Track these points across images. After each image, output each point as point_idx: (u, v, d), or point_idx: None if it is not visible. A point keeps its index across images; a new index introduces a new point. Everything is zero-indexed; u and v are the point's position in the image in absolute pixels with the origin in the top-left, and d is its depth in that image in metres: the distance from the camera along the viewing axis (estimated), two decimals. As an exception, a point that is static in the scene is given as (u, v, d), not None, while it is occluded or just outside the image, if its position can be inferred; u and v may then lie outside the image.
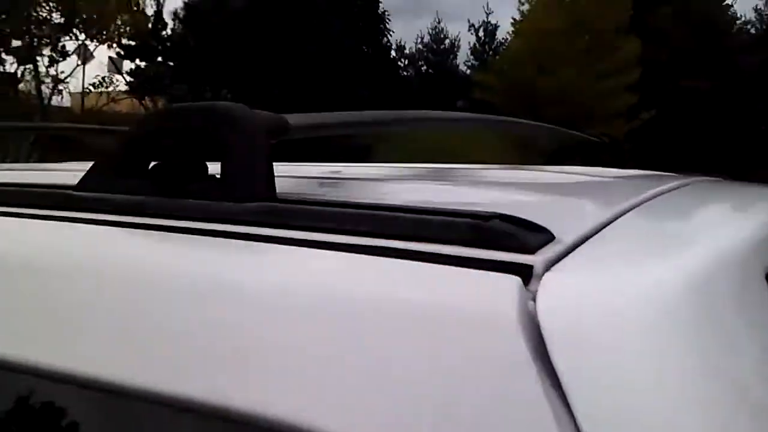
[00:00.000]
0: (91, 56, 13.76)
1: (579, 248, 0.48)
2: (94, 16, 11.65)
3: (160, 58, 19.22)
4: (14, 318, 0.53)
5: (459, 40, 23.80)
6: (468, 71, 22.29)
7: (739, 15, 19.96)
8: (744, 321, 0.49)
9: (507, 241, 0.46)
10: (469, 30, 23.02)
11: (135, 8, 13.81)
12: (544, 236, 0.48)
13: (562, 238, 0.49)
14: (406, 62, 23.98)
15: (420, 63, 23.98)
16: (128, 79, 16.92)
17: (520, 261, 0.44)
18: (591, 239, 0.51)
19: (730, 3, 19.37)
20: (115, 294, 0.50)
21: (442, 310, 0.41)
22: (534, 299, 0.40)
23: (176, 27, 19.77)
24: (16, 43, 12.07)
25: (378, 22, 21.87)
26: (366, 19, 21.16)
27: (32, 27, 11.67)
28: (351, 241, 0.49)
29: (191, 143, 0.62)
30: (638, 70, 15.48)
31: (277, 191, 0.59)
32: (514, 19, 18.02)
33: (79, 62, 13.30)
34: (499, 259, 0.44)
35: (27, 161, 9.28)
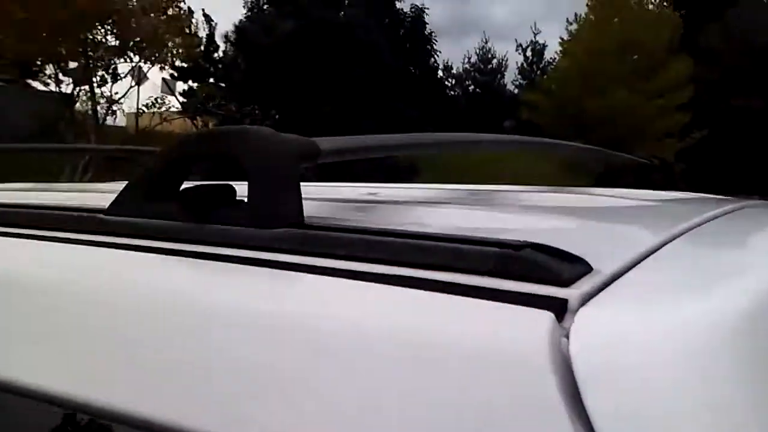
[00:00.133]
0: (145, 77, 14.12)
1: (618, 281, 0.45)
2: (144, 40, 11.96)
3: (211, 80, 19.65)
4: (39, 341, 0.52)
5: (506, 60, 23.85)
6: (515, 91, 22.25)
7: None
8: None
9: (539, 273, 0.43)
10: (517, 50, 23.04)
11: (187, 31, 14.13)
12: (581, 267, 0.46)
13: (601, 269, 0.46)
14: (453, 82, 24.04)
15: (467, 83, 24.01)
16: (181, 99, 17.32)
17: (554, 294, 0.41)
18: (632, 270, 0.48)
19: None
20: (135, 320, 0.50)
21: (469, 346, 0.39)
22: (567, 336, 0.37)
23: (227, 49, 20.21)
24: (72, 64, 12.45)
25: (425, 43, 21.99)
26: (413, 40, 21.30)
27: (88, 49, 12.03)
28: (376, 270, 0.47)
29: (221, 167, 0.61)
30: (689, 89, 15.24)
31: (308, 215, 0.57)
32: (562, 39, 17.97)
33: (133, 83, 13.65)
34: (530, 291, 0.42)
35: (81, 180, 9.54)
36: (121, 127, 15.44)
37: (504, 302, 0.41)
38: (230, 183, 0.60)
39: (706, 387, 0.35)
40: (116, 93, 13.39)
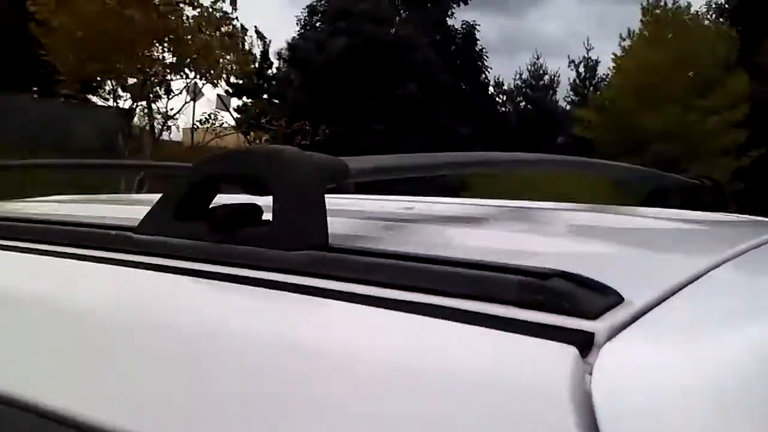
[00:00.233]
0: (201, 93, 14.39)
1: (649, 313, 0.42)
2: (199, 57, 12.22)
3: (265, 96, 19.99)
4: (61, 362, 0.53)
5: (558, 76, 23.64)
6: (567, 107, 22.04)
7: None
8: None
9: (565, 304, 0.41)
10: (569, 66, 22.83)
11: (241, 48, 14.39)
12: (611, 298, 0.43)
13: (633, 300, 0.43)
14: (504, 98, 23.95)
15: (518, 99, 23.88)
16: (235, 115, 17.65)
17: (579, 327, 0.39)
18: (666, 302, 0.45)
19: None
20: (153, 342, 0.49)
21: (487, 380, 0.37)
22: (591, 373, 0.35)
23: (281, 66, 20.54)
24: (131, 80, 12.78)
25: (476, 59, 21.98)
26: (464, 57, 21.30)
27: (145, 66, 12.33)
28: (394, 296, 0.45)
29: (248, 187, 0.60)
30: (746, 106, 14.87)
31: (334, 234, 0.56)
32: (615, 55, 17.74)
33: (188, 99, 13.92)
34: (554, 323, 0.39)
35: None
36: (177, 141, 15.79)
37: (526, 334, 0.39)
38: (256, 203, 0.60)
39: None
40: (171, 108, 13.71)
